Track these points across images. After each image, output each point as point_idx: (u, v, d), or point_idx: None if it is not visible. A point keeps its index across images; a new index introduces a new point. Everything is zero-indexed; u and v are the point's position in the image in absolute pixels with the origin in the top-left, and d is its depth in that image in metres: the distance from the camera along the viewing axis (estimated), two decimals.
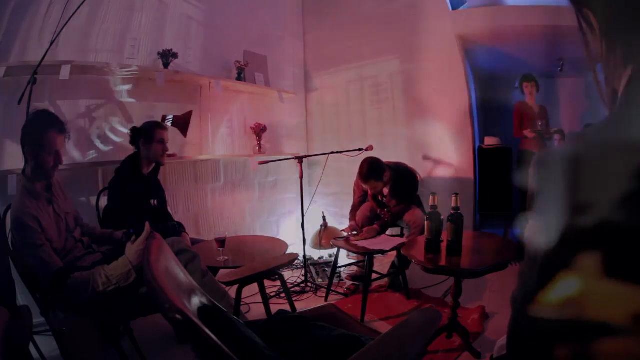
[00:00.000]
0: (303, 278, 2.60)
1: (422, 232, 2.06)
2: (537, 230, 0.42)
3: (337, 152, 2.77)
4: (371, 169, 2.37)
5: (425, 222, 1.73)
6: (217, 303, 1.01)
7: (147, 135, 2.04)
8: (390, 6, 3.41)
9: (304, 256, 2.64)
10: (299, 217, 2.61)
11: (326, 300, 2.38)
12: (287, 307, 1.68)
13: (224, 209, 3.17)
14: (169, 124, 2.50)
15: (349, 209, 2.79)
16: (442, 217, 1.73)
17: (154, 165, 2.13)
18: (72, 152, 2.26)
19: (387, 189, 2.52)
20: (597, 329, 0.36)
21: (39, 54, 1.90)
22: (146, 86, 2.60)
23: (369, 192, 2.60)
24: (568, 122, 4.37)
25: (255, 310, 2.21)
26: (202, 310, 0.93)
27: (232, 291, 1.66)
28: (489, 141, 3.47)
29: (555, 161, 0.40)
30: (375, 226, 2.44)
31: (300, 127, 4.04)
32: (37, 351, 1.48)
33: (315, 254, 3.17)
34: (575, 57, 3.49)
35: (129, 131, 2.10)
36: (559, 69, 3.76)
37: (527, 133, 3.19)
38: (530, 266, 0.43)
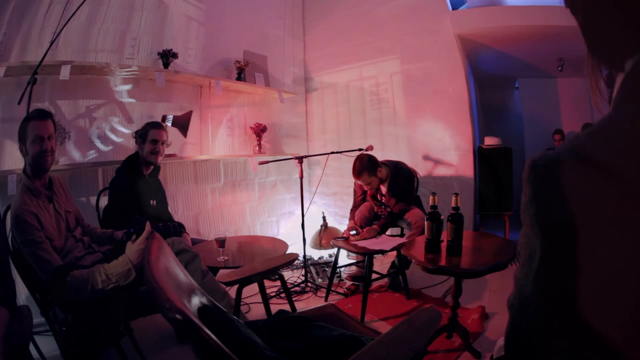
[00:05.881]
0: (303, 278, 2.60)
1: (422, 232, 2.06)
2: (532, 235, 0.42)
3: (337, 152, 2.77)
4: (362, 164, 2.38)
5: (425, 222, 1.73)
6: (217, 303, 1.01)
7: (141, 135, 2.05)
8: (390, 6, 3.42)
9: (304, 256, 2.64)
10: (299, 217, 2.61)
11: (326, 300, 2.38)
12: (287, 307, 1.67)
13: (224, 209, 3.17)
14: (169, 124, 2.50)
15: (349, 209, 2.79)
16: (442, 217, 1.73)
17: (153, 165, 2.13)
18: (72, 152, 2.26)
19: (384, 188, 2.52)
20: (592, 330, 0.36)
21: (39, 54, 1.90)
22: (146, 86, 2.60)
23: (368, 191, 2.60)
24: (568, 122, 4.38)
25: (255, 310, 2.21)
26: (202, 310, 0.93)
27: (232, 291, 1.66)
28: (489, 141, 3.47)
29: (550, 166, 0.40)
30: (375, 226, 2.44)
31: (300, 127, 4.04)
32: (37, 351, 1.48)
33: (315, 254, 3.17)
34: (575, 57, 3.49)
35: (134, 133, 2.11)
36: (559, 69, 3.77)
37: None
38: (526, 271, 0.43)
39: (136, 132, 2.08)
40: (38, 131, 1.43)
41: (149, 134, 2.04)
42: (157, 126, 2.10)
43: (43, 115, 1.47)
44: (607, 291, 0.35)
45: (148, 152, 2.04)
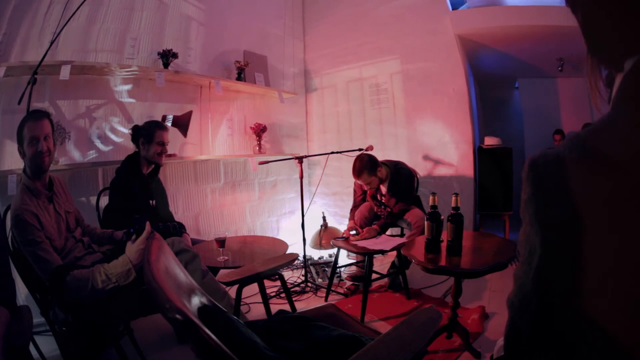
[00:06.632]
0: (303, 278, 2.60)
1: (422, 232, 2.06)
2: (532, 233, 0.42)
3: (337, 152, 2.77)
4: (362, 164, 2.38)
5: (425, 222, 1.73)
6: (217, 303, 1.01)
7: (146, 136, 2.03)
8: (390, 6, 3.42)
9: (304, 256, 2.64)
10: (299, 217, 2.61)
11: (326, 300, 2.38)
12: (287, 307, 1.67)
13: (224, 209, 3.17)
14: (169, 124, 2.50)
15: (349, 209, 2.79)
16: (442, 217, 1.73)
17: (153, 165, 2.12)
18: (72, 152, 2.26)
19: (384, 188, 2.52)
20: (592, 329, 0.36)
21: (39, 54, 1.90)
22: (146, 86, 2.60)
23: (368, 191, 2.60)
24: (568, 122, 4.38)
25: (255, 310, 2.21)
26: (202, 310, 0.92)
27: (232, 291, 1.66)
28: (489, 141, 3.47)
29: (550, 164, 0.40)
30: (375, 226, 2.44)
31: (300, 127, 4.04)
32: (37, 351, 1.48)
33: (315, 254, 3.17)
34: (575, 57, 3.50)
35: (130, 129, 2.10)
36: (559, 69, 3.77)
37: None
38: (526, 270, 0.43)
39: (136, 131, 2.06)
40: (33, 132, 1.42)
41: (155, 136, 2.02)
42: (163, 127, 2.09)
43: (38, 115, 1.45)
44: (608, 287, 0.35)
45: (154, 154, 2.03)
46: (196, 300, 0.95)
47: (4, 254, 1.40)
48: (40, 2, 2.11)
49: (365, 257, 2.20)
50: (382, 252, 2.14)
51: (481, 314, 2.02)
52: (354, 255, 2.77)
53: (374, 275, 2.42)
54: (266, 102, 3.56)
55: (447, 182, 3.25)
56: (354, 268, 2.76)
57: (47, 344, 1.60)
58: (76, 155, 2.28)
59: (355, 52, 3.66)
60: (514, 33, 3.07)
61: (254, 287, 1.68)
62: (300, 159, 2.59)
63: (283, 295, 2.35)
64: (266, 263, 1.58)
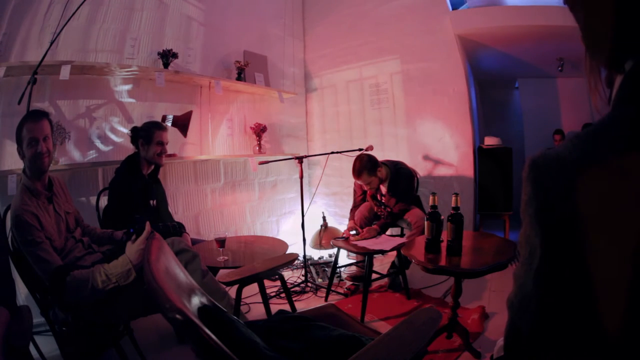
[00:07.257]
0: (303, 278, 2.60)
1: (422, 232, 2.06)
2: (532, 234, 0.42)
3: (337, 152, 2.77)
4: (362, 164, 2.38)
5: (425, 222, 1.73)
6: (217, 303, 1.01)
7: (145, 137, 2.03)
8: (390, 6, 3.42)
9: (304, 256, 2.64)
10: (299, 217, 2.61)
11: (326, 300, 2.38)
12: (287, 307, 1.68)
13: (224, 209, 3.17)
14: (169, 124, 2.50)
15: (349, 209, 2.79)
16: (442, 217, 1.73)
17: (153, 165, 2.12)
18: (72, 152, 2.26)
19: (384, 188, 2.52)
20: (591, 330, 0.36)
21: (39, 54, 1.91)
22: (146, 86, 2.60)
23: (368, 191, 2.60)
24: (568, 122, 4.38)
25: (255, 310, 2.21)
26: (202, 310, 0.92)
27: (232, 291, 1.66)
28: (489, 141, 3.47)
29: (551, 164, 0.40)
30: (375, 226, 2.44)
31: (300, 127, 4.04)
32: (37, 351, 1.48)
33: (315, 254, 3.17)
34: (575, 57, 3.49)
35: (130, 131, 2.10)
36: (559, 69, 3.76)
37: None
38: (526, 270, 0.43)
39: (136, 132, 2.06)
40: (32, 133, 1.41)
41: (154, 136, 2.02)
42: (162, 127, 2.09)
43: (37, 116, 1.44)
44: (608, 288, 0.35)
45: (154, 154, 2.03)
46: (196, 300, 0.95)
47: (4, 254, 1.40)
48: (40, 2, 2.11)
49: (365, 257, 2.20)
50: (382, 252, 2.14)
51: (481, 314, 2.02)
52: (354, 255, 2.77)
53: (374, 275, 2.42)
54: (266, 102, 3.56)
55: (447, 182, 3.25)
56: (354, 268, 2.76)
57: (47, 344, 1.60)
58: (76, 155, 2.28)
59: (355, 52, 3.66)
60: (514, 33, 3.07)
61: (254, 287, 1.68)
62: (300, 159, 2.59)
63: (283, 295, 2.35)
64: (266, 263, 1.58)
